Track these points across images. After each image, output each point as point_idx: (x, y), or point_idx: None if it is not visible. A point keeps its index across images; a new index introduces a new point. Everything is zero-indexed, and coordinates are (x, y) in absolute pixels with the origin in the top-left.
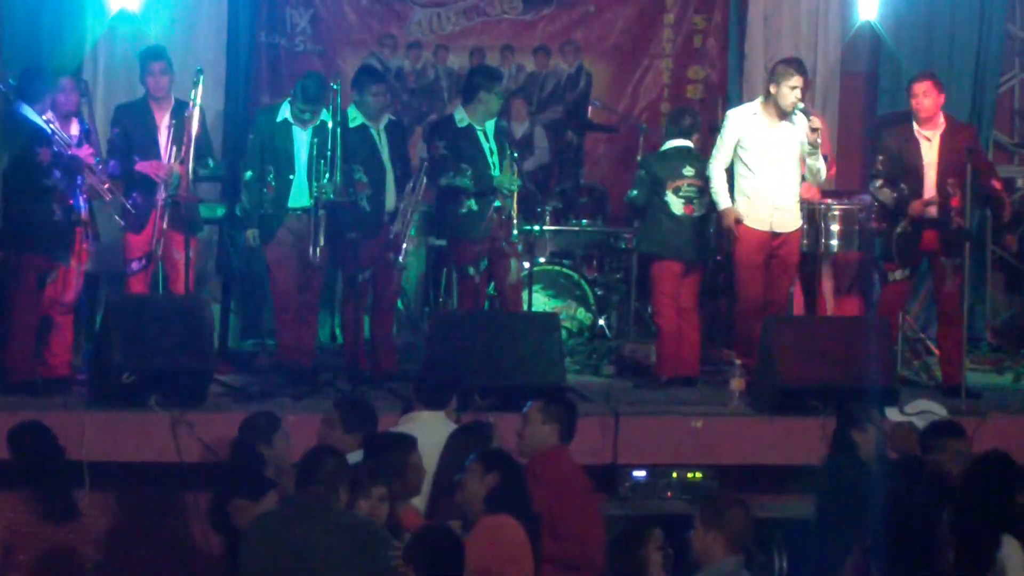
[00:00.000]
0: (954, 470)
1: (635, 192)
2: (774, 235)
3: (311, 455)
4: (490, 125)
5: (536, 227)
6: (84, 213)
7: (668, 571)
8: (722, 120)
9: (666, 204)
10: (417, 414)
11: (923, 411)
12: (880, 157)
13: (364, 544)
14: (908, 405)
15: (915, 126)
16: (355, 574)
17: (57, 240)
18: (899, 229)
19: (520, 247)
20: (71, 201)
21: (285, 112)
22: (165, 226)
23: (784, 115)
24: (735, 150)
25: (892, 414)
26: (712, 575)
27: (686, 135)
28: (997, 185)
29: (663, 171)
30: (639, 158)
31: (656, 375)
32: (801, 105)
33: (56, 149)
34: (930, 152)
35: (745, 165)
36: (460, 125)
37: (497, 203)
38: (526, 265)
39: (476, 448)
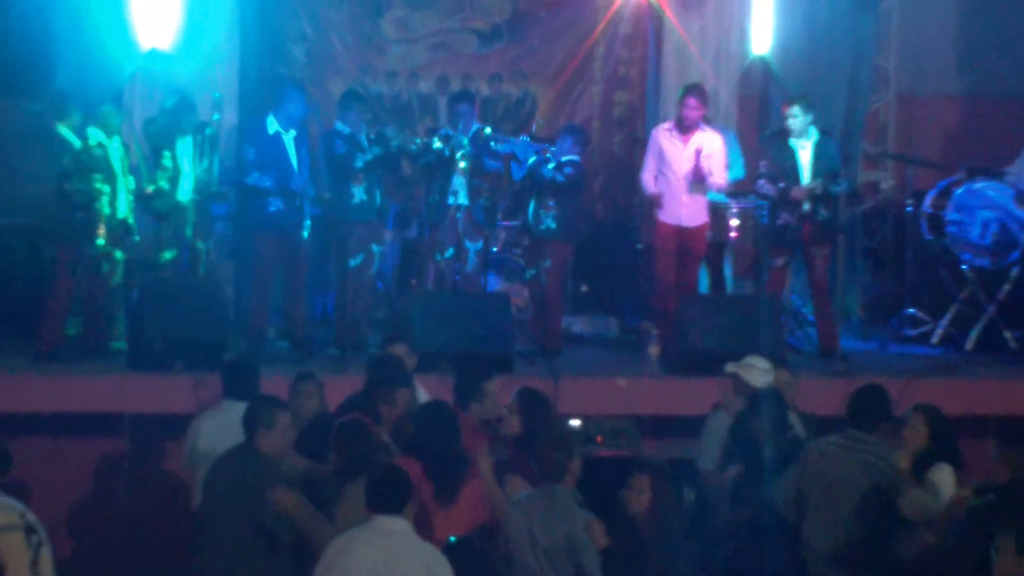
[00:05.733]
0: None
1: None
2: (683, 228)
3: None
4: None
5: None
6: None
7: (651, 508)
8: (645, 134)
9: None
10: None
11: (748, 364)
12: (763, 162)
13: (255, 486)
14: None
15: (792, 137)
16: (243, 512)
17: (81, 235)
18: (779, 221)
19: (481, 242)
20: (97, 202)
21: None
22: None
23: (689, 130)
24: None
25: (728, 367)
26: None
27: None
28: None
29: None
30: None
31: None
32: (700, 123)
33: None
34: (804, 158)
35: (662, 171)
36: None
37: (454, 201)
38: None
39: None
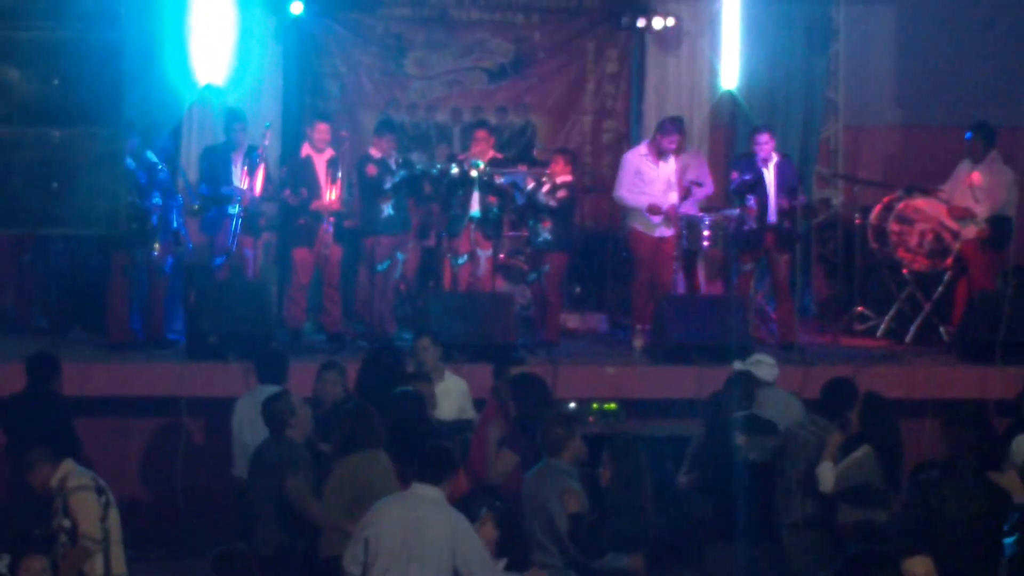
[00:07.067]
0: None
1: None
2: (659, 238)
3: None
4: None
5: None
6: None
7: (612, 480)
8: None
9: None
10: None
11: (757, 361)
12: (735, 175)
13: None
14: (747, 359)
15: (758, 161)
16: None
17: (133, 243)
18: (746, 228)
19: (491, 251)
20: (154, 216)
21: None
22: (238, 231)
23: (662, 155)
24: (634, 178)
25: (737, 364)
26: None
27: None
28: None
29: None
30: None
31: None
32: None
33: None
34: (769, 176)
35: (641, 191)
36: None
37: (475, 214)
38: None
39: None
